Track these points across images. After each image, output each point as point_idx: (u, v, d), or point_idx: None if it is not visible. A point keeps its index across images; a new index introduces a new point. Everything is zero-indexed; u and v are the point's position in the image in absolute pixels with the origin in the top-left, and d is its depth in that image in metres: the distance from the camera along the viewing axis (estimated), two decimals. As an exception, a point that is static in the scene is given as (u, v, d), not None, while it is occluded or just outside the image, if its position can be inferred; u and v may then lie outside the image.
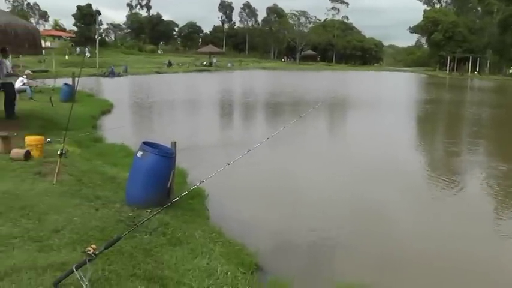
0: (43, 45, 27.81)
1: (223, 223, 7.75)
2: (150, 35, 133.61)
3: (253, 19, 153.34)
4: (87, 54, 71.72)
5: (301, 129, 17.01)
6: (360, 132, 19.83)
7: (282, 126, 7.82)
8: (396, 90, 46.20)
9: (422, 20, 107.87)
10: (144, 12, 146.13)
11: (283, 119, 23.59)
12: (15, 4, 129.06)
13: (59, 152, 8.46)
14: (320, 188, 10.84)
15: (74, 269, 4.47)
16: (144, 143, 7.53)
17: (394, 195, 10.65)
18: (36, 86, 25.49)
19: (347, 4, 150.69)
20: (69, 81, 25.34)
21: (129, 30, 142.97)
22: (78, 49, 70.33)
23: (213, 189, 8.85)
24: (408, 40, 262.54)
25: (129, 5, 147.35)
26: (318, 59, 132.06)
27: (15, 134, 11.67)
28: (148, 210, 7.04)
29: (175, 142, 7.72)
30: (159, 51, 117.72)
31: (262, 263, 6.64)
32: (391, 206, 9.93)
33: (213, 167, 6.49)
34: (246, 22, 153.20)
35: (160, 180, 7.40)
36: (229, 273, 5.65)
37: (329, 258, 7.38)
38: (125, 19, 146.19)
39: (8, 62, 16.14)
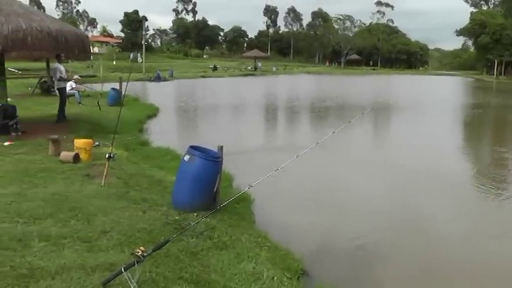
0: (91, 51, 28.36)
1: (269, 228, 7.72)
2: (196, 39, 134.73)
3: (298, 23, 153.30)
4: (139, 60, 72.97)
5: (349, 135, 16.74)
6: (408, 138, 19.37)
7: (329, 131, 7.73)
8: (443, 95, 45.21)
9: (469, 23, 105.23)
10: (189, 17, 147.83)
11: (330, 124, 23.44)
12: (65, 11, 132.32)
13: (107, 155, 8.62)
14: (366, 195, 10.65)
15: (122, 270, 4.53)
16: (191, 147, 7.58)
17: (443, 204, 10.36)
18: (84, 91, 26.08)
19: (392, 7, 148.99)
20: (116, 86, 25.77)
21: (175, 35, 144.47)
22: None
23: (258, 194, 8.82)
24: (454, 43, 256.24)
25: (175, 10, 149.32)
26: (365, 63, 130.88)
27: (65, 137, 11.96)
28: (195, 214, 7.11)
29: (221, 146, 7.73)
30: (204, 56, 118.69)
31: (308, 268, 6.58)
32: (439, 216, 9.66)
33: (259, 171, 6.47)
34: (290, 26, 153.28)
35: (207, 184, 7.44)
36: (275, 278, 5.64)
37: (373, 265, 7.27)
38: (171, 24, 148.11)
39: (62, 68, 16.59)
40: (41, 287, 4.74)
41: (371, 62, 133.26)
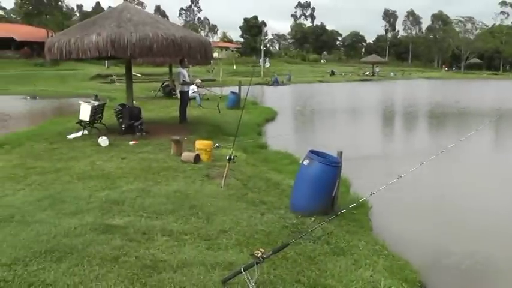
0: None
1: (386, 236, 7.52)
2: (314, 44, 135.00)
3: (417, 27, 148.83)
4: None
5: (475, 144, 15.78)
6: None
7: (451, 138, 7.37)
8: None
9: None
10: (308, 23, 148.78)
11: (451, 130, 22.47)
12: (187, 19, 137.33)
13: (228, 157, 8.81)
14: (490, 209, 10.01)
15: (242, 270, 4.59)
16: (310, 151, 7.57)
17: None
18: (205, 94, 26.92)
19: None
20: (235, 89, 26.32)
21: (293, 40, 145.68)
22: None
23: (376, 201, 8.61)
24: None
25: (294, 16, 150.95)
26: (486, 67, 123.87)
27: (186, 138, 12.40)
28: (312, 218, 7.08)
29: (341, 152, 7.65)
30: (321, 61, 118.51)
31: (425, 281, 6.33)
32: None
33: (377, 178, 6.29)
34: (409, 30, 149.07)
35: (326, 189, 7.38)
36: (392, 287, 5.47)
37: (493, 283, 6.87)
38: (289, 29, 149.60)
39: (185, 72, 17.23)
40: (163, 278, 4.96)
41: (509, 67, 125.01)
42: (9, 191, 8.35)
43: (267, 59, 75.58)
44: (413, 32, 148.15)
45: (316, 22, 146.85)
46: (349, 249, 6.27)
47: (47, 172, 9.68)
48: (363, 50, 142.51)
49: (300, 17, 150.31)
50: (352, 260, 5.95)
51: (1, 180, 9.08)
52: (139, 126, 14.32)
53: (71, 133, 14.29)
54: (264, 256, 4.58)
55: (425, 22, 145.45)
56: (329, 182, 7.38)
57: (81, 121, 14.40)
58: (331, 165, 7.36)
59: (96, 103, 14.97)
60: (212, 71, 57.59)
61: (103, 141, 12.54)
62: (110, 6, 74.13)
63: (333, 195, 7.52)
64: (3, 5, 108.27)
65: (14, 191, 8.36)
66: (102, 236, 6.02)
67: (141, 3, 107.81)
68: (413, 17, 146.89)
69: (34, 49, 67.86)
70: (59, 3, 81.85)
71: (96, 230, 6.20)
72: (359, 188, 9.38)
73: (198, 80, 29.60)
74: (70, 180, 8.94)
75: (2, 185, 8.76)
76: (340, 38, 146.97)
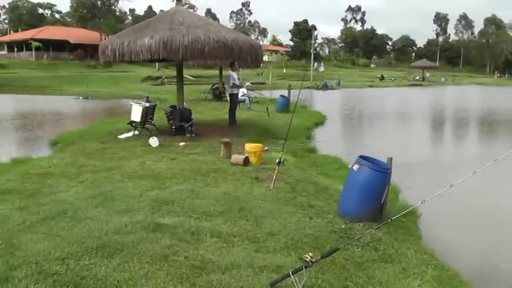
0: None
1: (435, 245, 7.38)
2: (364, 49, 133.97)
3: (469, 31, 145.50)
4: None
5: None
6: None
7: (504, 146, 7.12)
8: None
9: None
10: (358, 27, 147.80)
11: (505, 138, 21.89)
12: (238, 22, 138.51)
13: (277, 161, 8.84)
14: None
15: (290, 273, 4.60)
16: (360, 156, 7.51)
17: None
18: (255, 97, 27.03)
19: None
20: (284, 93, 26.32)
21: (342, 44, 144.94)
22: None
23: (425, 209, 8.45)
24: None
25: (344, 20, 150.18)
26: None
27: (235, 140, 12.49)
28: (361, 224, 7.02)
29: (391, 158, 7.55)
30: (371, 65, 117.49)
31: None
32: None
33: (427, 185, 6.15)
34: (461, 34, 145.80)
35: (375, 195, 7.31)
36: (442, 298, 5.37)
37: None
38: (339, 33, 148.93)
39: (235, 75, 17.35)
40: (212, 279, 5.00)
41: None
42: (63, 187, 8.63)
43: (322, 63, 75.29)
44: (465, 36, 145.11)
45: (367, 26, 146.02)
46: (397, 257, 6.17)
47: (98, 170, 9.94)
48: (413, 54, 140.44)
49: (351, 21, 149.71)
50: (401, 268, 5.86)
51: (55, 177, 9.38)
52: (190, 128, 14.50)
53: (121, 133, 14.60)
54: (313, 260, 4.59)
55: (478, 26, 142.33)
56: (378, 188, 7.30)
57: (132, 122, 14.68)
58: (381, 171, 7.28)
59: (147, 104, 15.24)
60: (262, 74, 57.78)
61: (153, 142, 12.75)
62: (161, 10, 75.40)
63: (382, 201, 7.43)
64: (60, 9, 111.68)
65: (67, 187, 8.63)
66: (152, 235, 6.13)
67: (193, 7, 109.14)
68: (465, 21, 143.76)
69: (88, 51, 69.89)
70: (112, 7, 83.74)
71: (146, 229, 6.32)
72: (408, 194, 9.24)
73: (248, 83, 29.78)
74: (121, 179, 9.14)
75: (56, 181, 9.06)
76: (390, 42, 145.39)
